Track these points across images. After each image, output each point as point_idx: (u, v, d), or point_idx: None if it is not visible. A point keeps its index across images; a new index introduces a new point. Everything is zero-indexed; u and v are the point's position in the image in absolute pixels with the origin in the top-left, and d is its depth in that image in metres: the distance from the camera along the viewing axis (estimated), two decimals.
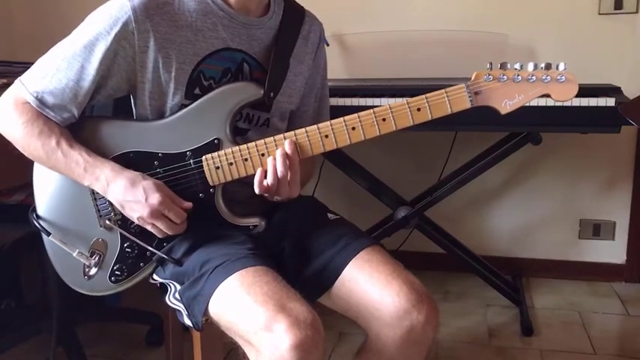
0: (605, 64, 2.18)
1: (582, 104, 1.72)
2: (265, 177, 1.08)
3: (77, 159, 1.09)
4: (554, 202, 2.39)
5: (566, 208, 2.39)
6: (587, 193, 2.36)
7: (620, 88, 1.88)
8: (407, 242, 2.37)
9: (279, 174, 1.07)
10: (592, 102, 1.72)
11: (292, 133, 1.09)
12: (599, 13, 2.18)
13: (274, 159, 1.07)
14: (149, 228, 1.09)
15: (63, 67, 1.09)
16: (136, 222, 1.10)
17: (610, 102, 1.71)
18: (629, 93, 1.84)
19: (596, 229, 2.38)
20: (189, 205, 1.10)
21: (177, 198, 1.10)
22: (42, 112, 1.10)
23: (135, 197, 1.07)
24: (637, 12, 2.16)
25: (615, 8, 2.16)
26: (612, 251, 2.39)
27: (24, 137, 1.10)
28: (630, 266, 2.37)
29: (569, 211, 2.39)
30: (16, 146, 1.12)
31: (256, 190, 1.10)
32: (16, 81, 1.13)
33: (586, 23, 2.20)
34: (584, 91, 1.71)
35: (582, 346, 1.91)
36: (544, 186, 2.38)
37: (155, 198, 1.06)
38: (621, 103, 1.69)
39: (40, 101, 1.09)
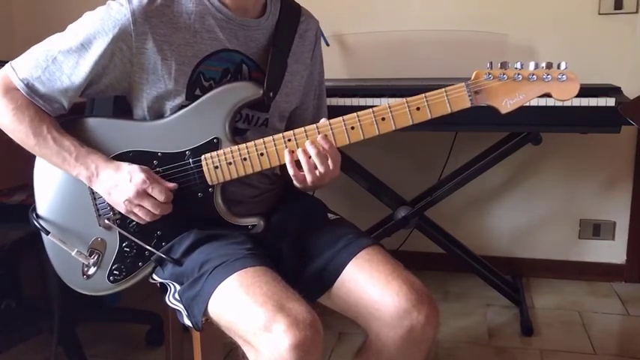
0: (605, 64, 2.18)
1: (582, 104, 1.72)
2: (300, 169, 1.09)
3: (69, 147, 1.10)
4: (554, 202, 2.39)
5: (566, 208, 2.38)
6: (587, 193, 2.36)
7: (620, 88, 1.88)
8: (407, 242, 2.37)
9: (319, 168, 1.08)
10: (592, 102, 1.72)
11: (291, 132, 1.09)
12: (599, 13, 2.18)
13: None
14: (137, 212, 1.09)
15: (58, 59, 1.09)
16: (124, 209, 1.10)
17: (610, 102, 1.71)
18: (629, 93, 1.84)
19: (596, 229, 2.37)
20: (173, 185, 1.11)
21: (161, 179, 1.10)
22: (32, 100, 1.10)
23: (121, 179, 1.08)
24: (637, 12, 2.16)
25: (615, 8, 2.16)
26: (612, 251, 2.38)
27: (12, 123, 1.10)
28: (630, 266, 2.37)
29: (569, 211, 2.38)
30: (6, 132, 1.12)
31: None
32: (7, 65, 1.12)
33: (586, 23, 2.20)
34: (584, 91, 1.70)
35: (582, 346, 1.90)
36: (544, 186, 2.38)
37: (139, 177, 1.07)
38: (621, 103, 1.69)
39: (30, 89, 1.10)
